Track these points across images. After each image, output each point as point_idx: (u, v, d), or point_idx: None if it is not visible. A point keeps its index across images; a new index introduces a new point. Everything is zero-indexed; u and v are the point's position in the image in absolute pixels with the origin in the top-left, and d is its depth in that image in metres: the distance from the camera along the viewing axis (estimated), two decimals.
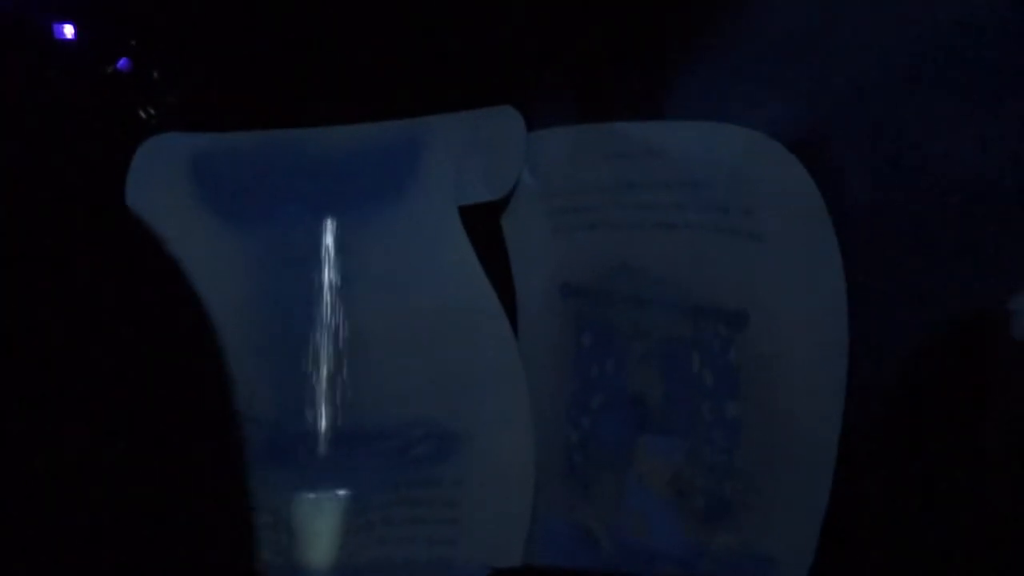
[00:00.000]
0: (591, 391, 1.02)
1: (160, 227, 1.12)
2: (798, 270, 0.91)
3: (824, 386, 0.91)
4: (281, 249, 1.04)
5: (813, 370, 0.89)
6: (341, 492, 1.01)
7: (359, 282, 1.03)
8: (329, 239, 1.04)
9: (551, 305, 1.03)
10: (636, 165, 1.01)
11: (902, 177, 0.88)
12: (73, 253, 0.50)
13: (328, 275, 1.04)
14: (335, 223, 1.04)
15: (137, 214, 1.08)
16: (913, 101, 0.86)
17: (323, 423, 1.02)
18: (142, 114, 1.19)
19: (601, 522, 1.00)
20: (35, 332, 0.46)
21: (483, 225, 1.04)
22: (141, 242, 0.57)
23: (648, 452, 0.98)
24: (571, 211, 1.03)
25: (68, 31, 1.14)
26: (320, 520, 1.00)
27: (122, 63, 1.16)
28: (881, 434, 0.73)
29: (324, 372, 1.02)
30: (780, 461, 0.91)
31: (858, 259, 0.90)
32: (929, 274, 0.83)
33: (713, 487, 0.95)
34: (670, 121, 1.01)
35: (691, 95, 1.01)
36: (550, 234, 1.03)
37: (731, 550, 0.93)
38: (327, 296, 1.03)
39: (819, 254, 0.90)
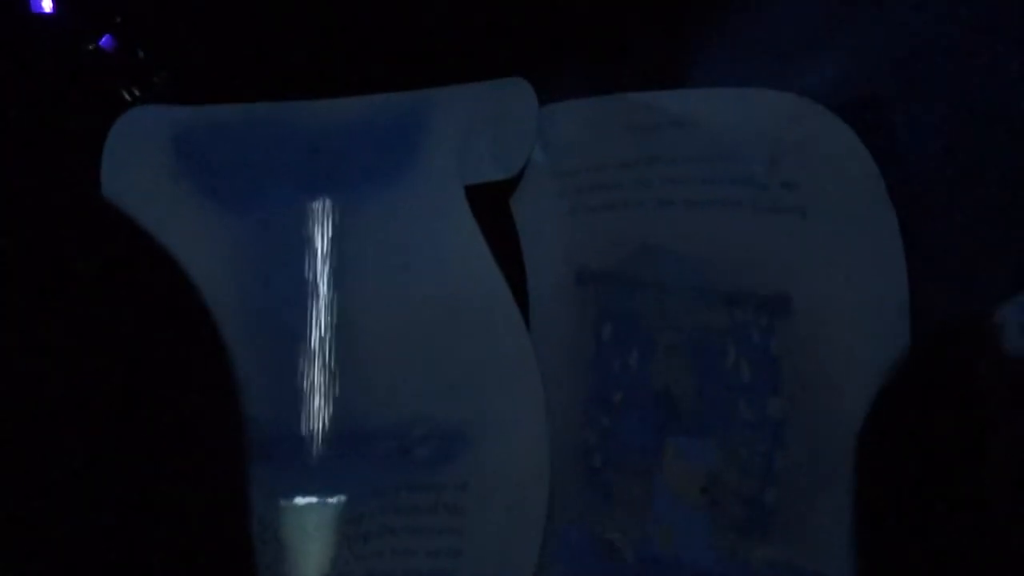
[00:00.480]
0: (612, 387, 0.97)
1: (138, 209, 1.08)
2: (849, 247, 0.85)
3: (879, 381, 0.82)
4: (270, 233, 1.01)
5: (866, 362, 0.81)
6: (334, 498, 0.97)
7: (356, 269, 1.00)
8: (323, 222, 1.01)
9: (567, 293, 0.99)
10: (660, 138, 0.95)
11: (970, 138, 0.80)
12: (50, 242, 0.48)
13: (321, 261, 1.00)
14: (330, 204, 1.01)
15: (113, 196, 1.04)
16: (983, 56, 0.78)
17: (314, 422, 0.98)
18: (126, 96, 1.15)
19: (624, 533, 0.96)
20: (12, 327, 0.44)
21: (491, 207, 1.01)
22: (125, 230, 0.55)
23: (677, 455, 0.93)
24: (588, 190, 0.98)
25: (46, 4, 1.11)
26: (310, 529, 0.97)
27: (105, 40, 1.13)
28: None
29: (316, 367, 0.99)
30: (827, 464, 0.85)
31: (921, 232, 0.83)
32: (1008, 245, 0.74)
33: (751, 494, 0.89)
34: (698, 88, 0.95)
35: (718, 60, 0.96)
36: (565, 215, 0.99)
37: (772, 565, 0.88)
38: (320, 284, 1.00)
39: (874, 228, 0.84)
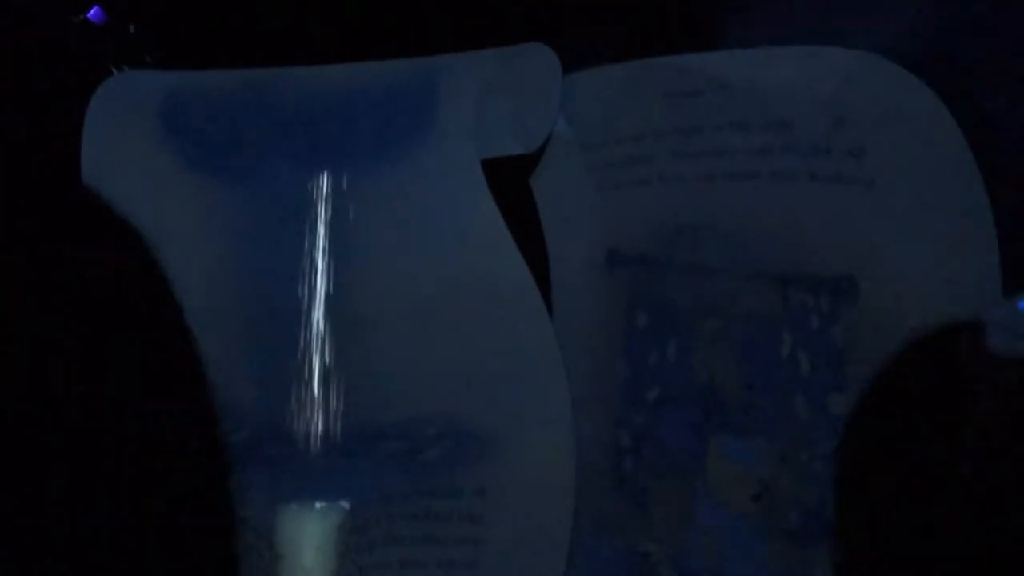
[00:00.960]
0: (647, 382, 0.92)
1: (121, 183, 1.01)
2: (927, 223, 0.81)
3: None
4: (265, 210, 0.97)
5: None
6: (335, 504, 0.94)
7: (359, 251, 0.96)
8: (323, 199, 0.97)
9: (595, 278, 0.95)
10: (701, 105, 0.90)
11: None
12: (26, 229, 0.50)
13: (322, 242, 0.97)
14: (332, 180, 0.97)
15: (94, 169, 0.96)
16: None
17: (313, 420, 0.95)
18: (115, 73, 1.09)
19: (661, 545, 0.91)
20: None
21: (509, 185, 0.97)
22: (102, 217, 0.58)
23: (723, 457, 0.88)
24: (619, 164, 0.95)
25: None
26: (310, 538, 0.93)
27: (93, 12, 1.08)
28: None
29: (316, 359, 0.95)
30: None
31: (1007, 208, 0.78)
32: None
33: (809, 502, 0.83)
34: (747, 49, 0.89)
35: (761, 19, 0.91)
36: (593, 193, 0.96)
37: None
38: (321, 267, 0.96)
39: (959, 201, 0.79)
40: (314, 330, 0.95)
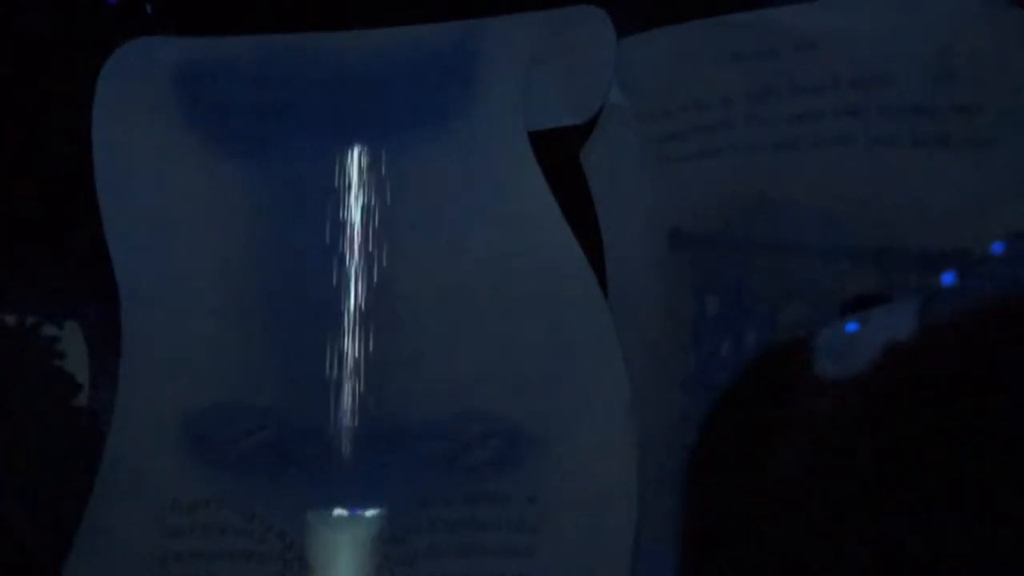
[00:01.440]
0: (717, 375, 0.87)
1: (134, 160, 0.98)
2: None
3: None
4: (292, 188, 0.95)
5: None
6: (371, 510, 0.90)
7: (397, 231, 0.93)
8: (357, 176, 0.94)
9: (656, 261, 0.89)
10: (777, 65, 0.85)
11: None
12: None
13: (354, 223, 0.93)
14: (365, 155, 0.94)
15: (105, 145, 0.96)
16: None
17: (347, 417, 0.91)
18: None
19: None
20: None
21: (557, 160, 0.93)
22: None
23: None
24: (681, 135, 0.90)
25: None
26: (342, 548, 0.89)
27: None
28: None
29: (349, 349, 0.91)
30: None
31: None
32: None
33: None
34: None
35: None
36: (652, 167, 0.91)
37: None
38: (352, 250, 0.93)
39: None
40: (345, 317, 0.92)
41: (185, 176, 0.94)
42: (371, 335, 0.91)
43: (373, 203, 0.93)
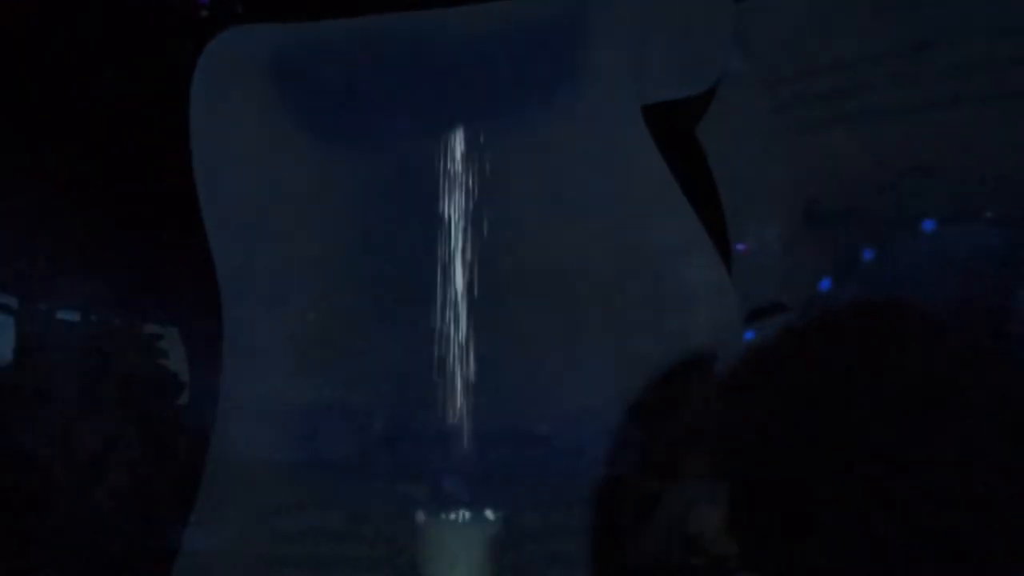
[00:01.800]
0: None
1: (231, 146, 0.99)
2: None
3: None
4: (392, 173, 0.92)
5: None
6: (485, 514, 0.85)
7: (502, 216, 0.88)
8: (459, 157, 0.90)
9: (789, 239, 0.84)
10: (930, 15, 0.77)
11: None
12: None
13: (458, 208, 0.90)
14: (467, 137, 0.90)
15: (203, 133, 0.98)
16: None
17: (457, 414, 0.87)
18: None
19: None
20: None
21: (671, 136, 0.88)
22: None
23: None
24: (816, 100, 0.84)
25: None
26: (455, 554, 0.84)
27: None
28: None
29: (456, 342, 0.87)
30: None
31: None
32: None
33: None
34: None
35: None
36: (783, 136, 0.85)
37: None
38: (457, 235, 0.89)
39: None
40: (455, 308, 0.88)
41: (283, 164, 0.92)
42: (479, 327, 0.87)
43: (480, 186, 0.90)
